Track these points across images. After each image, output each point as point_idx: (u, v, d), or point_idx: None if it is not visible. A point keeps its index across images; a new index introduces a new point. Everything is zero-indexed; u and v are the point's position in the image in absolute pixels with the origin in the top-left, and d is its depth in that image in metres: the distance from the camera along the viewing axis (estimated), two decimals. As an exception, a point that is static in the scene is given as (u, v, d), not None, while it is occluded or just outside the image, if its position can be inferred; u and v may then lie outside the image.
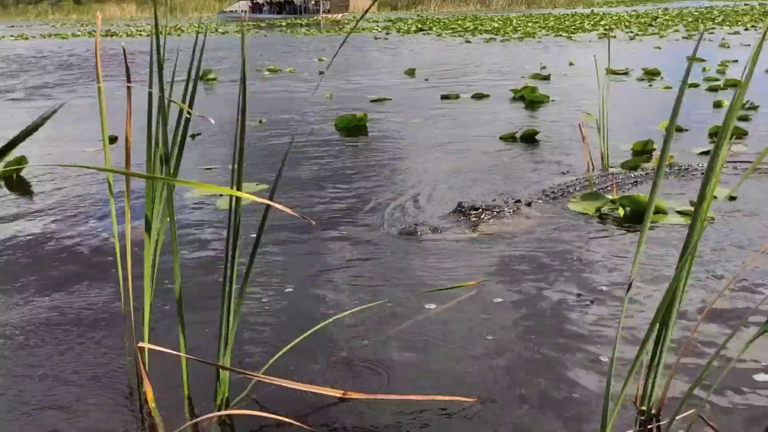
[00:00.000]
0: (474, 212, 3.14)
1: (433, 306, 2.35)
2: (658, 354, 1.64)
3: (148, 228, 1.65)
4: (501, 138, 5.41)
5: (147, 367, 1.70)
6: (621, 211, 3.31)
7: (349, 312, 2.14)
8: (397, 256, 2.85)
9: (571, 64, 11.00)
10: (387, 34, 24.21)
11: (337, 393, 1.77)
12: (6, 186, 4.45)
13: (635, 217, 3.27)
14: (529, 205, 3.37)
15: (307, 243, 3.08)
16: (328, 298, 2.47)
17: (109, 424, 1.73)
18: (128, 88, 1.74)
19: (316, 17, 41.73)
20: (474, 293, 2.42)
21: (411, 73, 10.55)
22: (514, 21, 30.77)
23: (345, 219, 3.42)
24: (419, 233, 2.98)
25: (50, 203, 3.94)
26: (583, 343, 2.08)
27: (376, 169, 4.52)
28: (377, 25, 33.18)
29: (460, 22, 30.80)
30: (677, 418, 1.55)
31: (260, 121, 6.46)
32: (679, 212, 3.30)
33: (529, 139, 5.29)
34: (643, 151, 4.78)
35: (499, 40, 18.40)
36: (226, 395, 1.77)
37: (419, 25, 29.53)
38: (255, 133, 6.02)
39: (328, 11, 44.45)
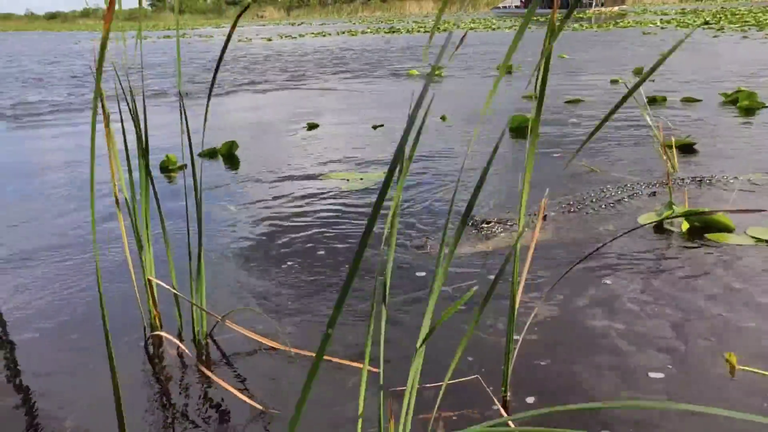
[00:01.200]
0: (486, 225, 3.18)
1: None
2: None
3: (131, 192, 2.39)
4: (663, 145, 5.20)
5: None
6: (684, 225, 3.20)
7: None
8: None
9: (841, 65, 9.44)
10: (662, 28, 22.60)
11: (282, 347, 2.29)
12: (223, 160, 5.72)
13: (700, 232, 3.15)
14: (544, 218, 3.30)
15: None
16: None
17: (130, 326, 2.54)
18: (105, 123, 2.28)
19: (588, 11, 40.25)
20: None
21: (639, 71, 10.09)
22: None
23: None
24: (428, 247, 3.06)
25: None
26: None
27: (502, 168, 4.80)
28: (661, 18, 30.94)
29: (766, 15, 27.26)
30: (458, 381, 1.81)
31: (443, 117, 7.02)
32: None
33: (685, 149, 5.01)
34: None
35: (788, 35, 16.11)
36: (204, 329, 2.43)
37: (707, 18, 26.84)
38: (433, 127, 6.60)
39: (602, 4, 42.43)
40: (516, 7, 52.61)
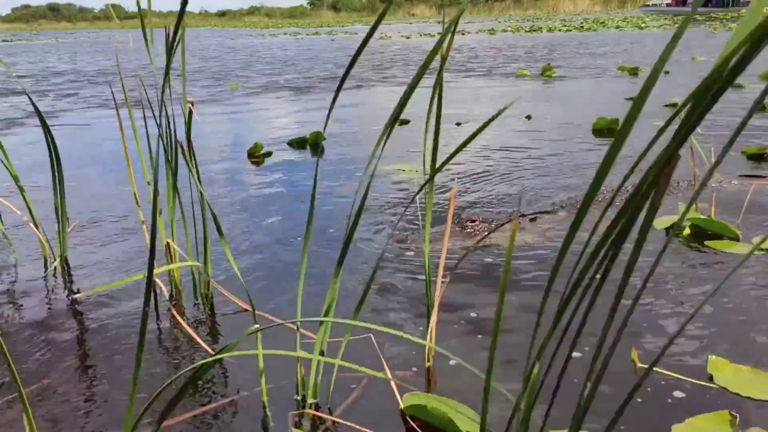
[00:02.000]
0: (470, 224, 3.25)
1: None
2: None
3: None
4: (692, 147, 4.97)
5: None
6: (687, 230, 3.20)
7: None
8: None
9: None
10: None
11: (277, 320, 2.67)
12: (310, 149, 6.26)
13: (701, 239, 3.14)
14: (533, 220, 3.35)
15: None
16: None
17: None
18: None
19: (743, 11, 36.73)
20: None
21: (765, 76, 9.40)
22: None
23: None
24: (408, 241, 3.19)
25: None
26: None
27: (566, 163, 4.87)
28: (840, 17, 27.79)
29: None
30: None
31: (528, 117, 7.09)
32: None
33: (756, 157, 4.79)
34: None
35: None
36: (210, 291, 2.88)
37: None
38: (517, 128, 6.72)
39: (760, 3, 38.36)
40: (667, 5, 49.33)
